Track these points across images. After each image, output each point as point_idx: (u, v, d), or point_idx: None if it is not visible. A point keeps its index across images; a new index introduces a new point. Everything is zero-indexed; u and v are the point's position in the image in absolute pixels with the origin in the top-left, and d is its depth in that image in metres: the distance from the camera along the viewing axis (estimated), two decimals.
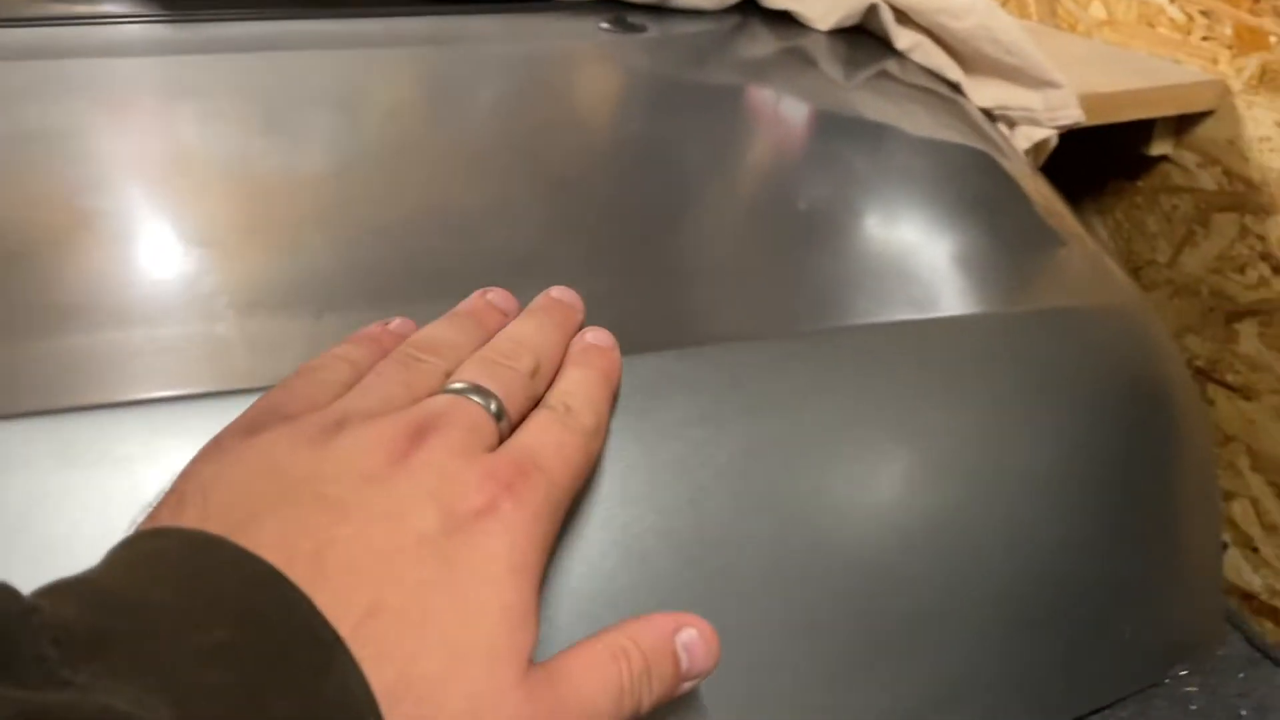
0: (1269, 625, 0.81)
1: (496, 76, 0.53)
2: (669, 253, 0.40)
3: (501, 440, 0.25)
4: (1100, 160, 0.90)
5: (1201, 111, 0.80)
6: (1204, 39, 0.80)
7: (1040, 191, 0.55)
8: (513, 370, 0.26)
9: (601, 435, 0.27)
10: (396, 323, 0.29)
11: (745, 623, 0.30)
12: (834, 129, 0.55)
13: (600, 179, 0.44)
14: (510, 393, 0.26)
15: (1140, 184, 0.88)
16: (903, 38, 0.65)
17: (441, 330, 0.28)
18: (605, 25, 0.59)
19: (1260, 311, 0.79)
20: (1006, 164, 0.55)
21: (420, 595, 0.20)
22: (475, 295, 0.30)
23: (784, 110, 0.56)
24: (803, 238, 0.42)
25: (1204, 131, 0.81)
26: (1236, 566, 0.84)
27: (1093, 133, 0.73)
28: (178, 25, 0.53)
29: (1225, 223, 0.81)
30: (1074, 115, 0.65)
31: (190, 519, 0.21)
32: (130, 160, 0.41)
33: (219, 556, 0.20)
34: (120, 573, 0.19)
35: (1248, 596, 0.83)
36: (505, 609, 0.21)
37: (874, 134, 0.54)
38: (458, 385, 0.25)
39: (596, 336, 0.30)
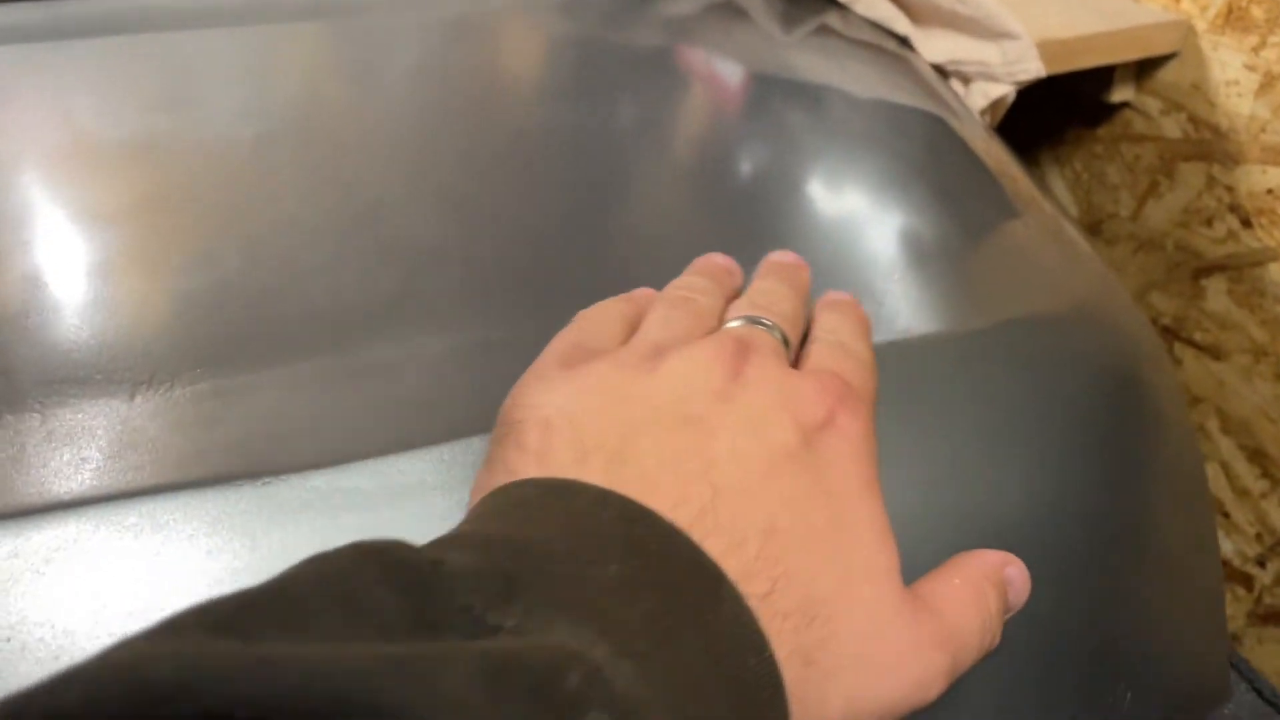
0: (1241, 592, 0.78)
1: (388, 57, 0.45)
2: (582, 270, 0.34)
3: None
4: (1056, 108, 0.84)
5: (1164, 55, 0.75)
6: None
7: (996, 157, 0.49)
8: (779, 312, 0.26)
9: (876, 370, 0.26)
10: (642, 290, 0.29)
11: None
12: (770, 97, 0.49)
13: (494, 187, 0.37)
14: (786, 327, 0.26)
15: (1100, 133, 0.83)
16: None
17: (693, 280, 0.28)
18: None
19: (1229, 267, 0.75)
20: (960, 128, 0.49)
21: (803, 512, 0.20)
22: (703, 259, 0.30)
23: (715, 77, 0.50)
24: (736, 243, 0.36)
25: (1167, 75, 0.76)
26: None
27: (1049, 80, 0.68)
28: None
29: (1191, 173, 0.76)
30: (1034, 69, 0.59)
31: (562, 445, 0.21)
32: None
33: (585, 497, 0.20)
34: (495, 520, 0.19)
35: (1220, 564, 0.80)
36: (871, 523, 0.21)
37: (814, 102, 0.48)
38: (740, 318, 0.25)
39: (838, 294, 0.29)
